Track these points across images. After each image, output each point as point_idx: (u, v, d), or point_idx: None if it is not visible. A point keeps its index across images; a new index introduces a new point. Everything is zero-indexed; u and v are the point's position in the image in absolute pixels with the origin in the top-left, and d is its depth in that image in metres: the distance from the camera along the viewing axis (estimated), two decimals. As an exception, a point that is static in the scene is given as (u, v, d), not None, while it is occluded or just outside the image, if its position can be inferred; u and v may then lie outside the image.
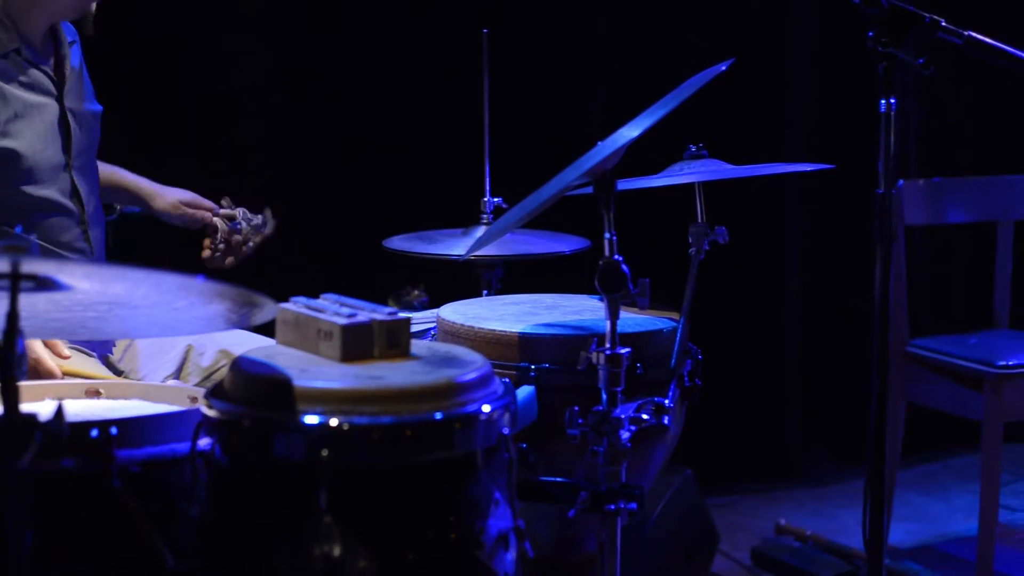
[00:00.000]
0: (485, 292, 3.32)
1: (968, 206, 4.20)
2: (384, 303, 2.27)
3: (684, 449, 2.91)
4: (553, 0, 4.49)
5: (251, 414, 1.94)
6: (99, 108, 3.04)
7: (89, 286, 1.82)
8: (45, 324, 1.94)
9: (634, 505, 2.31)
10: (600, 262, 2.30)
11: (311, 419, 1.89)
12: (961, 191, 4.21)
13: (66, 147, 2.89)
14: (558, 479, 2.35)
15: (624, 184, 2.55)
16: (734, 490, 4.64)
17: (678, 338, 2.61)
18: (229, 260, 3.28)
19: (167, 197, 3.27)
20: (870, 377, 2.58)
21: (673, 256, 2.98)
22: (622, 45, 4.54)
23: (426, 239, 3.27)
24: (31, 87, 2.83)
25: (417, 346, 2.14)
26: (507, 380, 2.15)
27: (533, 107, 4.33)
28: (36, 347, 2.63)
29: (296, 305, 2.18)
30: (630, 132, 2.28)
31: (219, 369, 2.97)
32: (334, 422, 1.89)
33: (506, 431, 2.02)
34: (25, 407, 1.69)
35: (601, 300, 2.31)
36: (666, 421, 2.44)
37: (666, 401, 2.45)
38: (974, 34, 2.52)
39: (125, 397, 2.34)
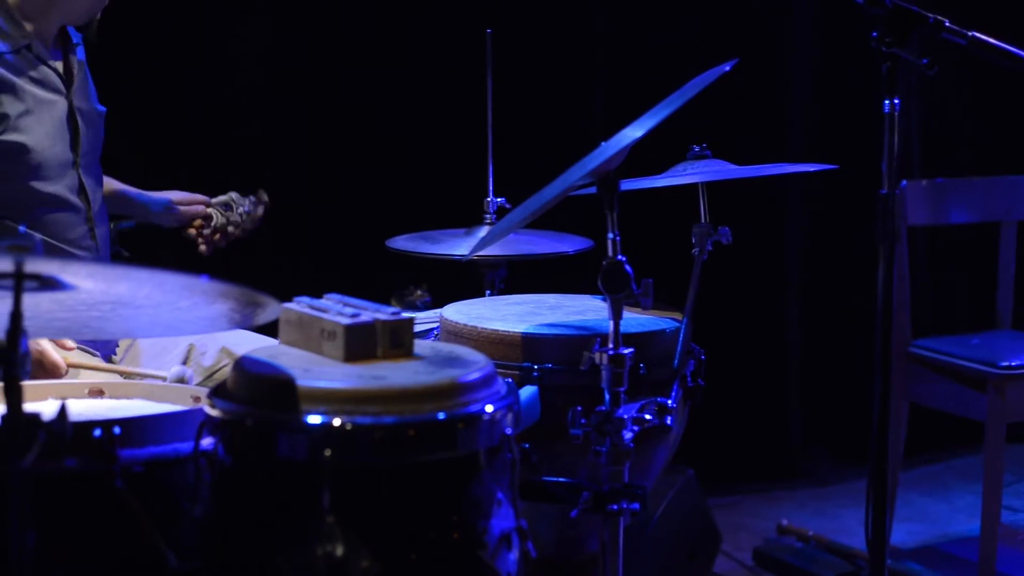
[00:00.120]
0: (488, 292, 3.32)
1: (971, 206, 4.20)
2: (387, 303, 2.27)
3: (686, 449, 2.91)
4: (556, 0, 4.49)
5: (254, 414, 1.94)
6: (103, 109, 3.06)
7: (93, 286, 1.82)
8: (48, 324, 1.94)
9: (636, 505, 2.31)
10: (603, 262, 2.30)
11: (314, 419, 1.89)
12: (964, 191, 4.21)
13: (74, 145, 2.91)
14: (561, 479, 2.35)
15: (628, 184, 2.55)
16: (736, 490, 4.64)
17: (681, 338, 2.61)
18: (218, 239, 3.33)
19: (161, 202, 3.29)
20: (872, 377, 2.58)
21: (676, 256, 2.98)
22: (625, 45, 4.54)
23: (429, 239, 3.27)
24: (41, 83, 2.86)
25: (420, 346, 2.14)
26: (510, 380, 2.15)
27: (536, 107, 4.33)
28: (41, 340, 2.64)
29: (299, 305, 2.18)
30: (634, 132, 2.28)
31: (221, 368, 2.97)
32: (337, 422, 1.89)
33: (509, 431, 2.02)
34: (28, 407, 1.69)
35: (604, 300, 2.31)
36: (669, 421, 2.44)
37: (669, 401, 2.45)
38: (978, 34, 2.51)
39: (128, 397, 2.34)
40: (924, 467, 4.91)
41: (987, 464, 3.73)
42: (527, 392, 2.33)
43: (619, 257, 2.30)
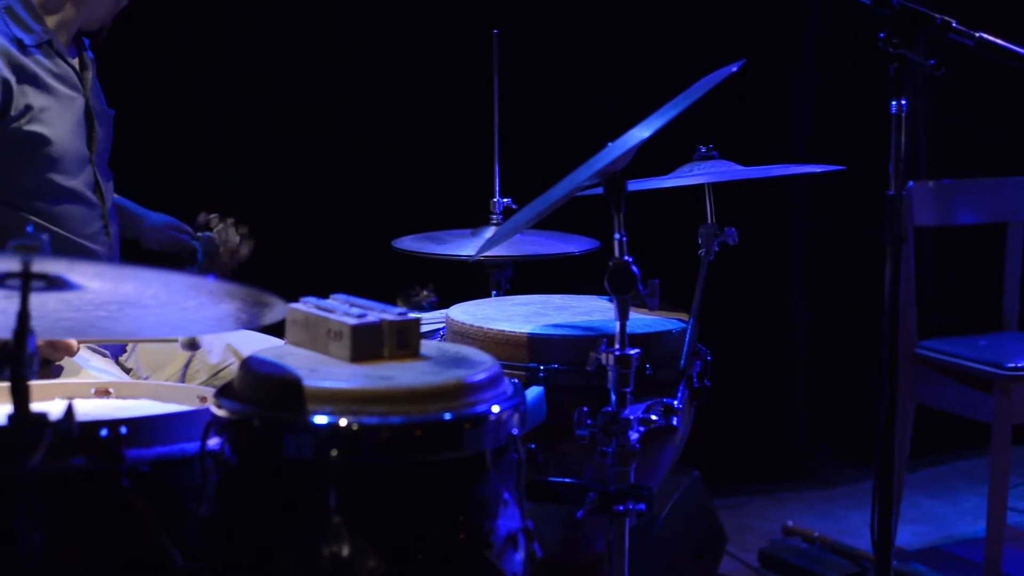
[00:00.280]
0: (494, 293, 3.32)
1: (978, 207, 4.19)
2: (393, 303, 2.27)
3: (692, 450, 2.91)
4: (561, 1, 4.49)
5: (261, 414, 1.94)
6: (111, 111, 3.08)
7: (100, 286, 1.82)
8: (55, 323, 1.94)
9: (642, 506, 2.31)
10: (610, 263, 2.30)
11: (321, 419, 1.89)
12: (971, 192, 4.20)
13: (90, 142, 2.95)
14: (567, 480, 2.35)
15: (634, 185, 2.55)
16: (742, 491, 4.63)
17: (687, 339, 2.61)
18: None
19: (154, 219, 3.29)
20: (878, 378, 2.58)
21: (683, 257, 2.98)
22: (631, 46, 4.53)
23: (435, 240, 3.27)
24: (62, 79, 2.89)
25: (427, 346, 2.14)
26: (516, 381, 2.15)
27: (542, 108, 4.33)
28: None
29: (306, 305, 2.18)
30: (641, 133, 2.28)
31: (227, 367, 2.98)
32: (343, 422, 1.89)
33: (515, 431, 2.02)
34: (35, 406, 1.70)
35: (610, 301, 2.31)
36: (675, 422, 2.44)
37: (675, 402, 2.45)
38: (985, 35, 2.51)
39: (135, 396, 2.34)
40: (930, 468, 4.90)
41: (993, 465, 3.73)
42: (533, 393, 2.33)
43: (626, 258, 2.30)
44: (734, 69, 2.39)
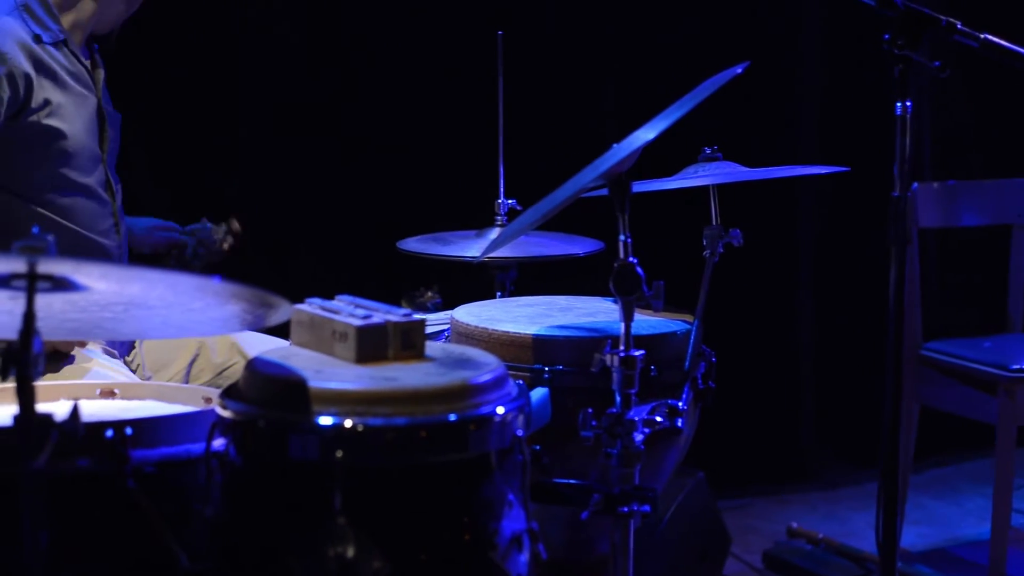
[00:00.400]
0: (499, 294, 3.32)
1: (982, 209, 4.19)
2: (398, 304, 2.27)
3: (697, 451, 2.91)
4: (565, 1, 4.49)
5: (266, 415, 1.95)
6: (119, 114, 3.09)
7: (105, 286, 1.82)
8: (61, 324, 1.94)
9: (647, 507, 2.31)
10: (615, 264, 2.30)
11: (326, 420, 1.90)
12: (976, 194, 4.20)
13: (101, 141, 2.96)
14: (571, 481, 2.35)
15: (639, 186, 2.55)
16: (746, 493, 4.63)
17: (692, 340, 2.61)
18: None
19: (139, 224, 3.31)
20: (883, 380, 2.57)
21: (687, 258, 2.98)
22: (636, 47, 4.53)
23: (440, 241, 3.27)
24: (76, 77, 2.91)
25: (431, 348, 2.14)
26: (521, 382, 2.15)
27: (547, 109, 4.33)
28: None
29: (311, 306, 2.18)
30: (646, 134, 2.28)
31: (231, 366, 2.99)
32: (348, 423, 1.89)
33: (520, 433, 2.02)
34: (40, 407, 1.70)
35: (615, 302, 2.31)
36: (679, 424, 2.44)
37: (680, 403, 2.45)
38: (990, 37, 2.51)
39: (140, 397, 2.34)
40: (934, 470, 4.90)
41: (997, 467, 3.72)
42: (538, 394, 2.33)
43: (630, 259, 2.30)
44: (739, 71, 2.38)
